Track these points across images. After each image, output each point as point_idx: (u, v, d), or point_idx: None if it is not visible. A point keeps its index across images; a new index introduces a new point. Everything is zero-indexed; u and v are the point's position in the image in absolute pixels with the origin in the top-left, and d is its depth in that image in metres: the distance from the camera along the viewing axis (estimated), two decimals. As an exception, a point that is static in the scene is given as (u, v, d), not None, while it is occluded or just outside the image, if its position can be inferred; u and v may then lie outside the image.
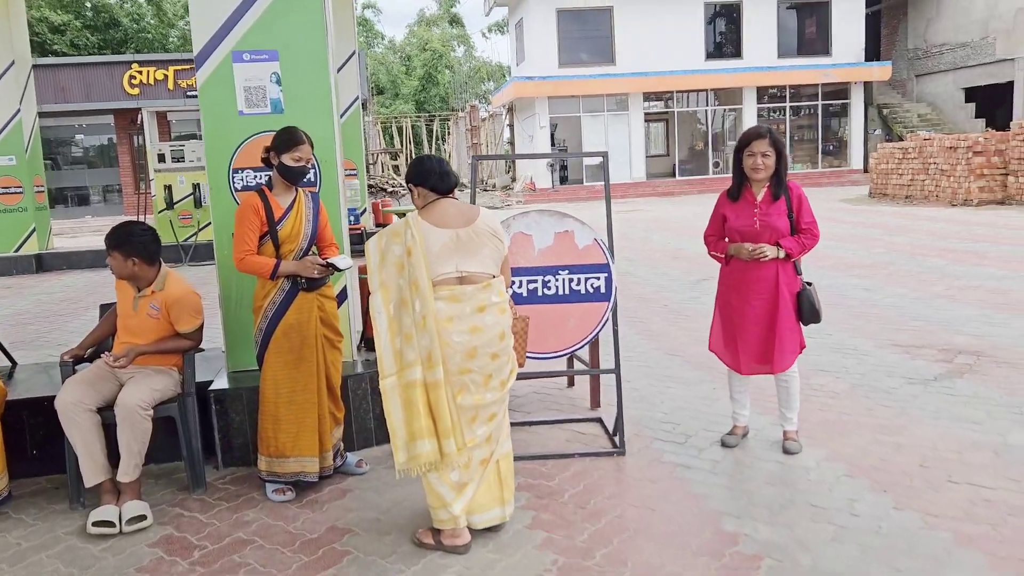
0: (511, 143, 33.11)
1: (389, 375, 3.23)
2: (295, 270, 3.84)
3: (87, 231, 24.08)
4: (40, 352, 7.51)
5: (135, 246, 3.90)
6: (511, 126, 32.63)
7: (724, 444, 4.31)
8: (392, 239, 3.24)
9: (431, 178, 3.35)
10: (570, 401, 5.25)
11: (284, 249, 3.89)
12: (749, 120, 28.01)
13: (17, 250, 14.01)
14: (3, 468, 3.92)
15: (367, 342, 4.99)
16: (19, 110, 13.66)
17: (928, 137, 19.79)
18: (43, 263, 13.94)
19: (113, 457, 3.80)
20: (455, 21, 46.61)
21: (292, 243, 3.90)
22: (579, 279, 4.19)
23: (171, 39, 37.14)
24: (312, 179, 4.53)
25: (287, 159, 3.84)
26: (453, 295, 3.20)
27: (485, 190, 31.63)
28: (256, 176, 4.53)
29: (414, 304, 3.18)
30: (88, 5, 34.68)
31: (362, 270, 4.75)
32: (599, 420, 4.78)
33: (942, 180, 18.73)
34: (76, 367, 4.04)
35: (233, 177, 4.52)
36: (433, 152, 38.47)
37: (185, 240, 14.03)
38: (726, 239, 4.25)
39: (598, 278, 4.20)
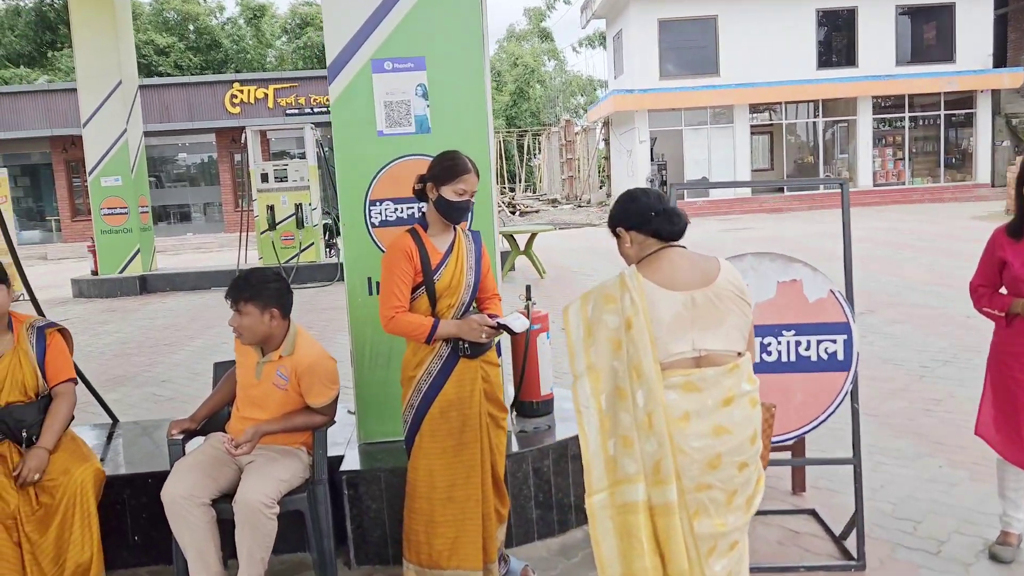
0: (606, 158, 32.17)
1: (598, 491, 2.37)
2: (457, 332, 3.05)
3: (188, 248, 24.28)
4: (143, 391, 7.00)
5: (274, 295, 3.20)
6: (606, 140, 31.70)
7: (996, 557, 3.31)
8: (603, 305, 2.38)
9: (652, 219, 2.48)
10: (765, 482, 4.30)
11: (442, 304, 3.11)
12: (863, 132, 26.35)
13: (122, 271, 13.84)
14: (99, 558, 3.24)
15: (520, 405, 4.16)
16: (125, 130, 13.50)
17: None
18: (147, 284, 13.73)
19: (228, 547, 3.08)
20: (545, 36, 46.00)
21: (451, 296, 3.12)
22: (809, 342, 3.27)
23: (269, 59, 37.70)
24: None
25: (449, 192, 3.06)
26: (690, 383, 2.32)
27: (579, 206, 30.79)
28: (396, 209, 3.77)
29: (635, 396, 2.32)
30: (191, 27, 35.47)
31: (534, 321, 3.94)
32: (812, 512, 3.82)
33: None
34: (186, 443, 3.34)
35: (370, 210, 3.77)
36: (522, 167, 37.90)
37: (287, 261, 13.61)
38: (1003, 290, 3.27)
39: (834, 341, 3.27)
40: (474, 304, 3.22)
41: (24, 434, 3.26)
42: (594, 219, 25.39)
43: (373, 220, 3.78)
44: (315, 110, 24.56)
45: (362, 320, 3.81)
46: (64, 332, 3.49)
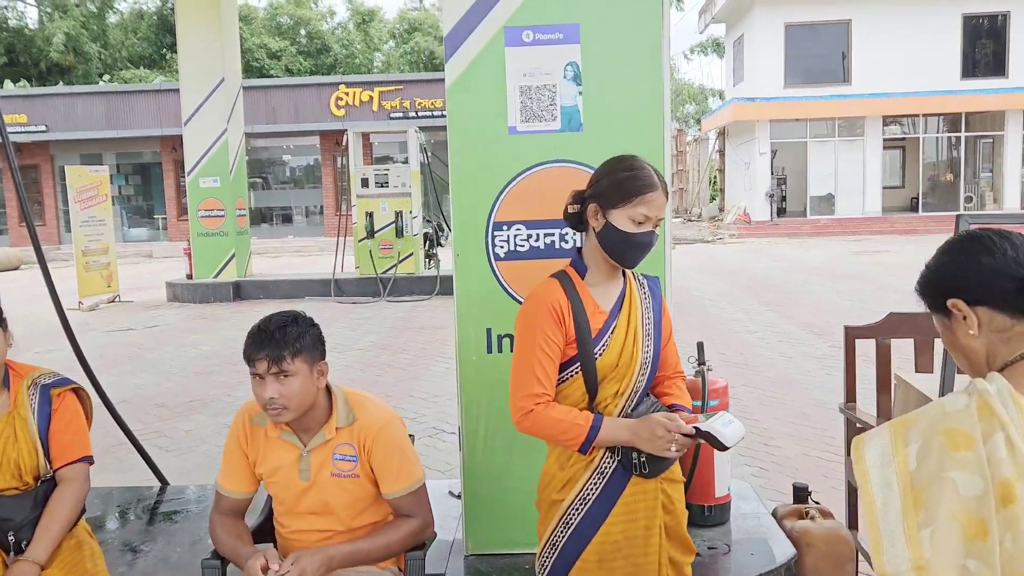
0: (720, 170, 30.52)
1: None
2: (630, 439, 1.96)
3: (288, 251, 24.04)
4: (219, 421, 6.18)
5: (319, 341, 2.23)
6: (721, 152, 30.06)
7: None
8: (948, 453, 1.24)
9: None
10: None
11: (606, 392, 2.04)
12: (1012, 148, 23.95)
13: (216, 276, 13.34)
14: None
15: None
16: (226, 129, 13.00)
17: None
18: (241, 291, 13.18)
19: None
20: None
21: (621, 380, 2.05)
22: None
23: (376, 64, 37.63)
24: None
25: (623, 218, 1.99)
26: None
27: (690, 220, 29.27)
28: (531, 236, 2.71)
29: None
30: (303, 31, 35.68)
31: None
32: None
33: None
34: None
35: (493, 236, 2.72)
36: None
37: (384, 272, 12.82)
38: None
39: None
40: (649, 391, 2.13)
41: (12, 537, 2.34)
42: (706, 235, 23.89)
43: (497, 250, 2.72)
44: (419, 114, 23.96)
45: (476, 385, 2.77)
46: (79, 392, 2.56)
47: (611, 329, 2.04)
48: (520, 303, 2.69)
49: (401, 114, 24.34)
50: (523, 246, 2.72)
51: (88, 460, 2.50)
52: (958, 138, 24.96)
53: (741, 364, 7.42)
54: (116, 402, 4.05)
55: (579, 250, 2.16)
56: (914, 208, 24.94)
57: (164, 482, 3.81)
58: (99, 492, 3.65)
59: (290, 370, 2.11)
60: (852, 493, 3.35)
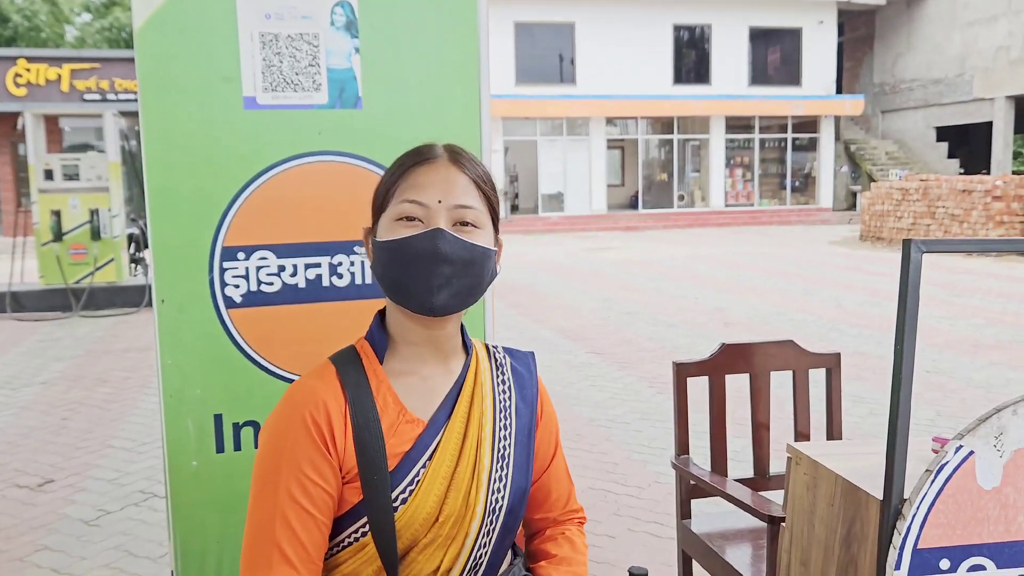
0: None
1: None
2: None
3: (-45, 255, 20.12)
4: None
5: None
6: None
7: None
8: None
9: None
10: None
11: (417, 570, 1.21)
12: (716, 150, 26.10)
13: None
14: None
15: None
16: None
17: (927, 178, 18.12)
18: None
19: None
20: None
21: (446, 547, 1.22)
22: None
23: (68, 40, 33.12)
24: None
25: (388, 222, 1.24)
26: None
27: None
28: (284, 269, 1.73)
29: None
30: (-30, -3, 30.44)
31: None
32: None
33: (953, 226, 16.99)
34: None
35: (223, 270, 1.70)
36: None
37: (77, 281, 10.75)
38: None
39: None
40: (516, 553, 1.33)
41: None
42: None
43: (230, 291, 1.71)
44: (120, 97, 21.10)
45: (200, 508, 1.74)
46: None
47: (428, 453, 1.21)
48: (271, 374, 1.71)
49: (98, 96, 21.28)
50: (272, 284, 1.73)
51: None
52: (670, 140, 26.76)
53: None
54: None
55: (381, 313, 1.30)
56: (634, 205, 26.37)
57: None
58: None
59: None
60: (687, 568, 2.74)
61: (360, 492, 1.17)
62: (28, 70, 21.20)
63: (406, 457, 1.19)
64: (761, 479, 2.71)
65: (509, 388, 1.32)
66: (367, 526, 1.17)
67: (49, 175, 10.84)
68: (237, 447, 1.74)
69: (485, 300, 1.89)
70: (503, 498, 1.24)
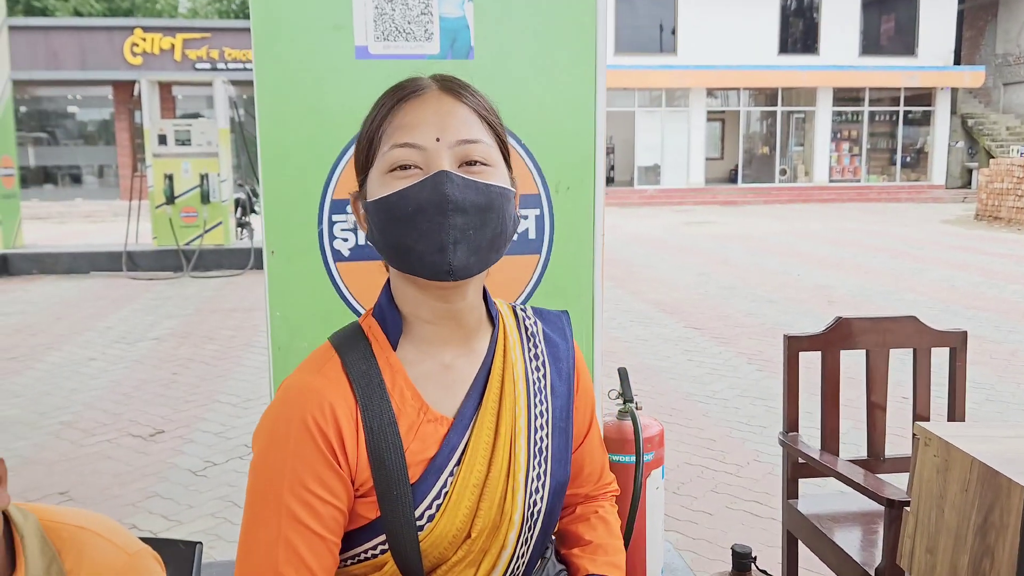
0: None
1: None
2: None
3: (77, 217, 21.29)
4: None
5: None
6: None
7: None
8: None
9: None
10: None
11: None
12: (822, 123, 25.11)
13: (-23, 247, 11.18)
14: None
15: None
16: (-16, 72, 10.82)
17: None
18: (9, 265, 11.09)
19: None
20: None
21: (478, 563, 1.05)
22: None
23: (181, 10, 34.29)
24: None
25: (377, 176, 1.00)
26: None
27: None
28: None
29: None
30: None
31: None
32: None
33: (1082, 206, 15.90)
34: None
35: (332, 223, 1.69)
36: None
37: (188, 243, 11.19)
38: None
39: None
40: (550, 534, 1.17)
41: None
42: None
43: (339, 245, 1.70)
44: (230, 66, 21.78)
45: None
46: None
47: (456, 458, 1.03)
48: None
49: (208, 65, 22.04)
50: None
51: None
52: (773, 112, 25.88)
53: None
54: None
55: (388, 286, 1.11)
56: (733, 179, 25.69)
57: None
58: None
59: None
60: (791, 549, 2.64)
61: (377, 508, 0.99)
62: (144, 39, 22.11)
63: (431, 465, 1.00)
64: (875, 461, 2.57)
65: (543, 364, 1.11)
66: (386, 543, 1.00)
67: (163, 140, 11.30)
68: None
69: (595, 282, 1.82)
70: (542, 499, 1.06)
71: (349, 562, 1.04)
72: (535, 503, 1.05)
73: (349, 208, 1.69)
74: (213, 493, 3.95)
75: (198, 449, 4.55)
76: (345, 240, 1.70)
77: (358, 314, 1.72)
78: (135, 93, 11.62)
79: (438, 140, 0.96)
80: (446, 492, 1.00)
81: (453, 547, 1.01)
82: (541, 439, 1.07)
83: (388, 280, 1.09)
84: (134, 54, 22.18)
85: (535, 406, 1.08)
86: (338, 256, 1.70)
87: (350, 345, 1.03)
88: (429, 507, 0.99)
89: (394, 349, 1.04)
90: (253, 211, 12.40)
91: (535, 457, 1.06)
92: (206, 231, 11.39)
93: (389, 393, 1.00)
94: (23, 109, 23.49)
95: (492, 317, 1.11)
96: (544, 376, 1.10)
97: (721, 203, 23.74)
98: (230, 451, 4.51)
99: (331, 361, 1.02)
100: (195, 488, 4.01)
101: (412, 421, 1.01)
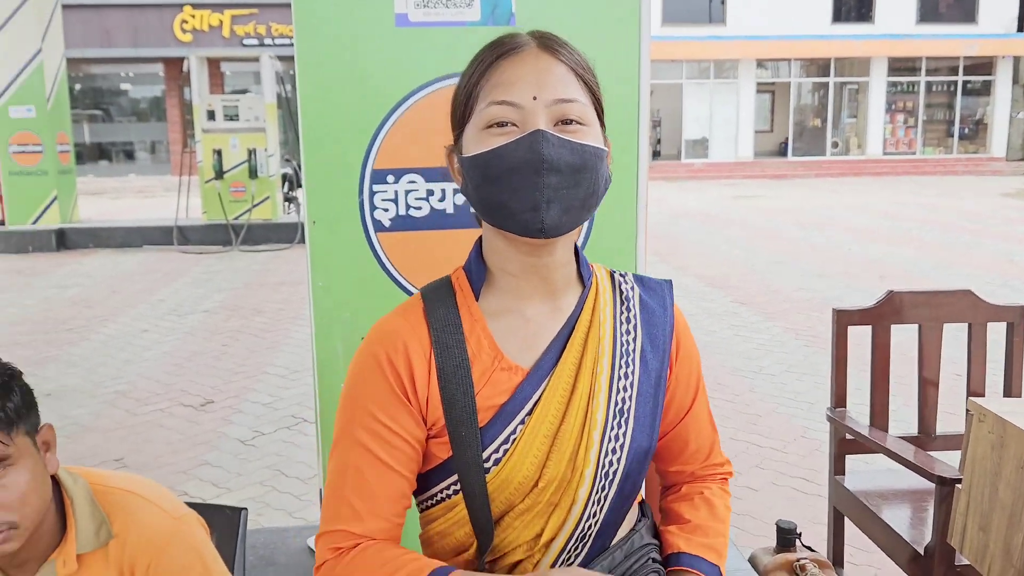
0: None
1: None
2: None
3: (130, 191, 21.75)
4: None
5: (23, 396, 1.16)
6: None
7: None
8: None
9: None
10: None
11: (513, 537, 1.07)
12: (876, 94, 24.45)
13: (35, 222, 11.47)
14: None
15: None
16: (40, 50, 11.03)
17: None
18: (65, 239, 11.38)
19: None
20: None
21: (547, 514, 1.06)
22: None
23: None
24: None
25: (474, 132, 1.02)
26: None
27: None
28: (433, 194, 1.70)
29: None
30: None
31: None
32: None
33: None
34: None
35: (373, 193, 1.69)
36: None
37: (236, 218, 11.36)
38: None
39: None
40: (644, 513, 1.21)
41: None
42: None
43: (379, 215, 1.70)
44: (276, 42, 21.94)
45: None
46: None
47: (528, 407, 1.05)
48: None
49: (256, 41, 22.23)
50: (420, 208, 1.71)
51: None
52: (825, 83, 25.26)
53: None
54: None
55: (480, 240, 1.12)
56: (783, 152, 25.20)
57: None
58: None
59: (7, 455, 1.10)
60: (838, 526, 2.60)
61: (449, 448, 1.04)
62: (193, 16, 22.37)
63: (501, 411, 1.03)
64: (925, 438, 2.51)
65: (635, 328, 1.11)
66: (458, 484, 1.05)
67: (211, 115, 11.45)
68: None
69: (637, 241, 1.80)
70: (618, 460, 1.06)
71: (426, 504, 1.11)
72: (611, 463, 1.05)
73: (390, 178, 1.69)
74: (261, 462, 4.03)
75: (247, 419, 4.63)
76: (386, 210, 1.70)
77: (398, 283, 1.72)
78: (184, 70, 11.78)
79: (535, 98, 0.97)
80: (514, 439, 1.03)
81: (520, 493, 1.04)
82: (623, 400, 1.07)
83: (480, 236, 1.12)
84: (184, 31, 22.46)
85: (619, 367, 1.08)
86: (379, 226, 1.70)
87: (435, 294, 1.08)
88: (496, 451, 1.02)
89: (477, 299, 1.08)
90: (299, 185, 12.51)
91: (615, 418, 1.06)
92: (254, 206, 11.55)
93: (466, 339, 1.04)
94: (77, 87, 23.97)
95: (584, 278, 1.11)
96: (634, 340, 1.10)
97: (770, 177, 23.31)
98: (278, 421, 4.59)
99: (415, 307, 1.08)
100: (244, 457, 4.09)
101: (486, 367, 1.04)
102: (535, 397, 1.04)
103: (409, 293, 1.72)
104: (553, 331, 1.07)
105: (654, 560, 1.14)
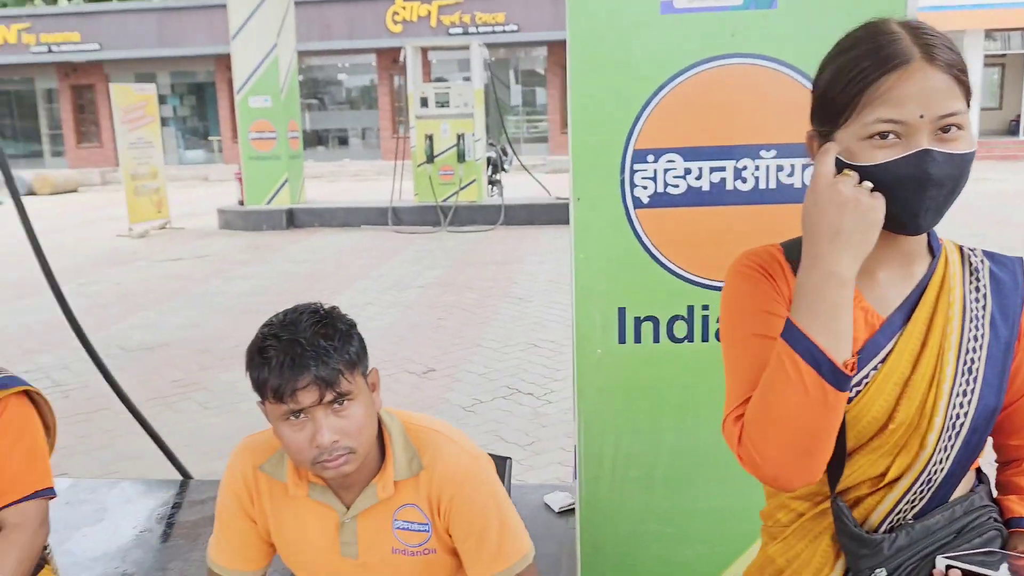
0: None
1: None
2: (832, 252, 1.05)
3: (345, 175, 23.33)
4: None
5: (358, 340, 1.38)
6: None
7: None
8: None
9: None
10: None
11: (861, 472, 1.15)
12: None
13: (268, 202, 12.64)
14: None
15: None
16: (275, 45, 12.09)
17: None
18: (294, 218, 12.47)
19: None
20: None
21: (894, 454, 1.13)
22: None
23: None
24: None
25: (852, 139, 1.06)
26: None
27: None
28: (690, 173, 1.79)
29: None
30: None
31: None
32: None
33: None
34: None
35: (633, 171, 1.80)
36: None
37: (444, 200, 11.94)
38: None
39: None
40: (980, 480, 1.24)
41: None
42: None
43: (639, 192, 1.81)
44: (480, 30, 22.66)
45: (601, 390, 1.90)
46: (33, 396, 1.77)
47: (882, 356, 1.11)
48: (671, 272, 1.79)
49: (461, 30, 23.08)
50: (677, 186, 1.80)
51: (46, 494, 1.73)
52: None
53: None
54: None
55: None
56: (1014, 131, 22.95)
57: (186, 476, 3.07)
58: (96, 488, 2.95)
59: (351, 391, 1.31)
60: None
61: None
62: (404, 8, 23.54)
63: (863, 350, 1.11)
64: None
65: (984, 297, 1.14)
66: None
67: (424, 103, 12.08)
68: (637, 339, 1.86)
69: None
70: (966, 415, 1.10)
71: None
72: (958, 416, 1.11)
73: (650, 158, 1.79)
74: (482, 428, 4.29)
75: (465, 388, 4.94)
76: (645, 188, 1.80)
77: (653, 257, 1.82)
78: (399, 59, 12.47)
79: (921, 116, 1.01)
80: (866, 382, 1.11)
81: (871, 429, 1.12)
82: (972, 360, 1.12)
83: None
84: (395, 22, 23.70)
85: (969, 330, 1.12)
86: (638, 203, 1.81)
87: (793, 241, 1.19)
88: (849, 389, 1.07)
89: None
90: (503, 169, 12.94)
91: (963, 375, 1.11)
92: (461, 188, 12.08)
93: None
94: (300, 78, 25.96)
95: (934, 248, 1.17)
96: (984, 308, 1.14)
97: (998, 158, 21.29)
98: (494, 391, 4.86)
99: (775, 246, 1.21)
100: (465, 422, 4.37)
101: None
102: (887, 348, 1.11)
103: (664, 266, 1.82)
104: (903, 293, 1.14)
105: (995, 519, 1.18)
